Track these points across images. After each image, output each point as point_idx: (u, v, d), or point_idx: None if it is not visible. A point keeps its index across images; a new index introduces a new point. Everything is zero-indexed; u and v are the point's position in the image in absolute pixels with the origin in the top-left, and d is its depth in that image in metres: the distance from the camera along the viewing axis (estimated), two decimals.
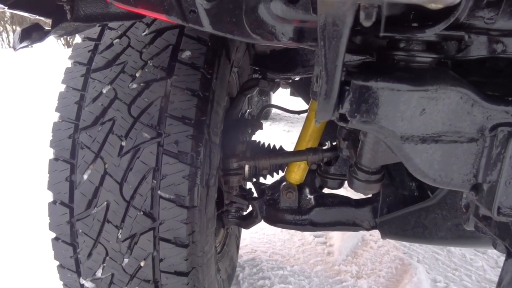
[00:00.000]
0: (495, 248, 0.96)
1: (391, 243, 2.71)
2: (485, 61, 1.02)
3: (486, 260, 2.59)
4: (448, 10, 0.71)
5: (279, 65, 1.91)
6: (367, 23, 0.59)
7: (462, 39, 0.83)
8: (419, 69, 0.82)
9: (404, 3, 0.65)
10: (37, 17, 1.03)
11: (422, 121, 0.81)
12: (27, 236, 2.63)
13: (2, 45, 18.93)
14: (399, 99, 0.78)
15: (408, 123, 0.81)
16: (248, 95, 1.91)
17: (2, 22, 18.55)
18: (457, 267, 2.49)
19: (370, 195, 1.78)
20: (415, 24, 0.76)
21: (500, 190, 0.83)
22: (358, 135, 1.18)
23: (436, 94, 0.78)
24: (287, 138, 5.20)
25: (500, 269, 0.93)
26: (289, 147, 1.94)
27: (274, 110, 6.32)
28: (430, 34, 0.73)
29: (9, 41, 19.13)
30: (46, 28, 0.99)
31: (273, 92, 3.80)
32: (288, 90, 4.12)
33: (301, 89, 2.78)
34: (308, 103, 2.27)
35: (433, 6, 0.55)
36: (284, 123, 6.20)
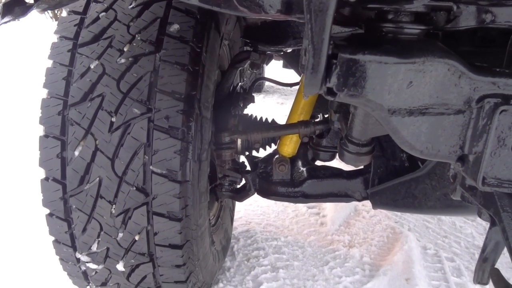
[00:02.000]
0: (480, 217, 0.98)
1: (383, 213, 2.76)
2: (477, 31, 1.01)
3: (475, 227, 2.65)
4: None
5: (270, 37, 1.88)
6: None
7: (450, 9, 0.82)
8: (406, 41, 0.81)
9: None
10: None
11: (409, 94, 0.81)
12: (20, 213, 2.65)
13: None
14: (386, 72, 0.78)
15: (395, 96, 0.81)
16: (240, 68, 1.89)
17: None
18: (446, 234, 2.55)
19: (362, 167, 1.80)
20: None
21: (485, 161, 0.84)
22: (349, 107, 1.19)
23: (423, 66, 0.78)
24: (281, 111, 5.19)
25: None
26: (283, 119, 1.94)
27: (267, 83, 6.27)
28: (418, 4, 0.72)
29: None
30: (29, 2, 0.96)
31: (266, 65, 3.77)
32: (281, 62, 4.08)
33: (294, 61, 2.76)
34: (300, 75, 2.26)
35: None
36: (278, 95, 6.18)
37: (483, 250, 0.93)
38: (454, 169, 1.03)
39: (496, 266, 0.94)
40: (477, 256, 2.32)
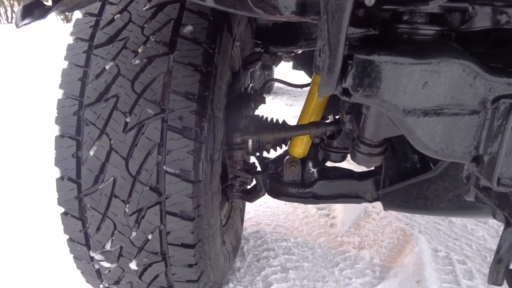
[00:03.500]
0: (494, 218, 0.98)
1: (393, 214, 2.75)
2: (491, 31, 1.01)
3: (487, 229, 2.63)
4: None
5: (281, 38, 1.89)
6: (369, 2, 0.59)
7: (466, 10, 0.82)
8: (421, 42, 0.82)
9: None
10: None
11: (425, 94, 0.82)
12: (36, 212, 2.68)
13: (1, 20, 18.69)
14: (401, 73, 0.78)
15: (411, 97, 0.82)
16: (251, 69, 1.90)
17: None
18: (458, 237, 2.53)
19: (373, 168, 1.80)
20: None
21: (500, 162, 0.84)
22: (361, 108, 1.19)
23: (438, 67, 0.79)
24: (290, 112, 5.19)
25: None
26: (292, 120, 1.94)
27: (276, 84, 6.27)
28: (434, 6, 0.73)
29: (7, 16, 18.89)
30: (47, 4, 0.98)
31: (276, 66, 3.78)
32: (291, 63, 4.09)
33: (304, 63, 2.77)
34: (310, 77, 2.26)
35: None
36: (287, 96, 6.17)
37: (498, 251, 0.93)
38: (468, 170, 1.03)
39: (511, 267, 0.93)
40: (489, 258, 2.31)
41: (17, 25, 0.93)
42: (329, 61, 0.73)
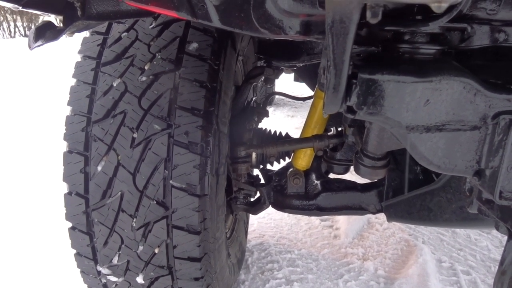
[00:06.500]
0: (497, 230, 0.99)
1: (396, 225, 2.76)
2: (490, 47, 1.03)
3: (491, 240, 2.63)
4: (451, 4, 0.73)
5: (284, 53, 1.92)
6: (373, 21, 0.62)
7: (465, 30, 0.85)
8: (423, 61, 0.85)
9: (409, 3, 0.67)
10: (49, 14, 1.05)
11: (427, 111, 0.84)
12: (44, 227, 2.70)
13: (3, 35, 18.87)
14: (404, 91, 0.81)
15: (413, 114, 0.84)
16: (254, 83, 1.93)
17: (3, 12, 18.45)
18: (461, 247, 2.54)
19: (376, 180, 1.81)
20: (419, 17, 0.78)
21: (502, 176, 0.86)
22: (363, 121, 1.21)
23: (439, 85, 0.81)
24: (291, 123, 5.22)
25: None
26: (293, 132, 1.97)
27: (278, 95, 6.30)
28: (434, 27, 0.75)
29: (10, 31, 19.07)
30: (59, 26, 1.01)
31: (277, 78, 3.81)
32: (292, 75, 4.12)
33: (306, 75, 2.80)
34: (312, 89, 2.30)
35: (437, 6, 0.57)
36: (288, 108, 6.21)
37: (502, 262, 0.94)
38: (470, 183, 1.05)
39: None
40: (493, 269, 2.31)
41: (30, 47, 0.96)
42: (334, 81, 0.75)
